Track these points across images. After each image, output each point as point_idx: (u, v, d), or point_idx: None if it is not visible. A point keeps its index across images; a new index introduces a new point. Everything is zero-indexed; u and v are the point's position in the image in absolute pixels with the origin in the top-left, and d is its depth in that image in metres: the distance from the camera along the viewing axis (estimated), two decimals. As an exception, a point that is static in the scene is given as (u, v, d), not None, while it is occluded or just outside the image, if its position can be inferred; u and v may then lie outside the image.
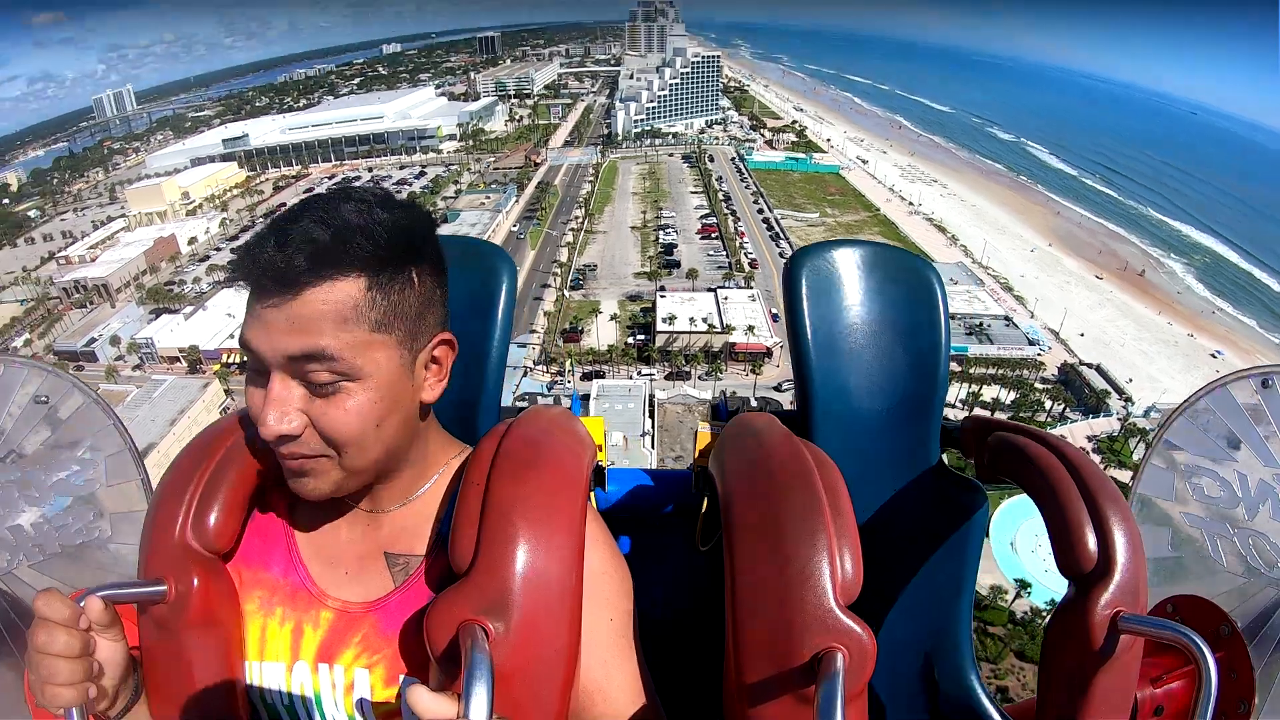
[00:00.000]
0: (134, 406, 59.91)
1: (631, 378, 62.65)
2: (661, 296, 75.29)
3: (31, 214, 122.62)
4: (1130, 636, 1.08)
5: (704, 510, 1.60)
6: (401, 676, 1.07)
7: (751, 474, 1.20)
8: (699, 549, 1.60)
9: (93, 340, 73.25)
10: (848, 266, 1.69)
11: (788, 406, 1.81)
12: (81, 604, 0.95)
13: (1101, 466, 1.27)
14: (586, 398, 57.78)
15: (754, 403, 1.93)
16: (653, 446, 54.06)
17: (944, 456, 1.71)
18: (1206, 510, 1.58)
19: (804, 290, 1.64)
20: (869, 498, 1.65)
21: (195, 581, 1.08)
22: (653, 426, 56.36)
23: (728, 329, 68.84)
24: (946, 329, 1.69)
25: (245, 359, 1.00)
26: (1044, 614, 39.10)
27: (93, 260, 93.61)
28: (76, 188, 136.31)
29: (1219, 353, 73.73)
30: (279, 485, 1.17)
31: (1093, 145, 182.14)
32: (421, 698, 0.76)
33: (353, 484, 1.07)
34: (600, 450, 1.49)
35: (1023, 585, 40.70)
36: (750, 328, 69.12)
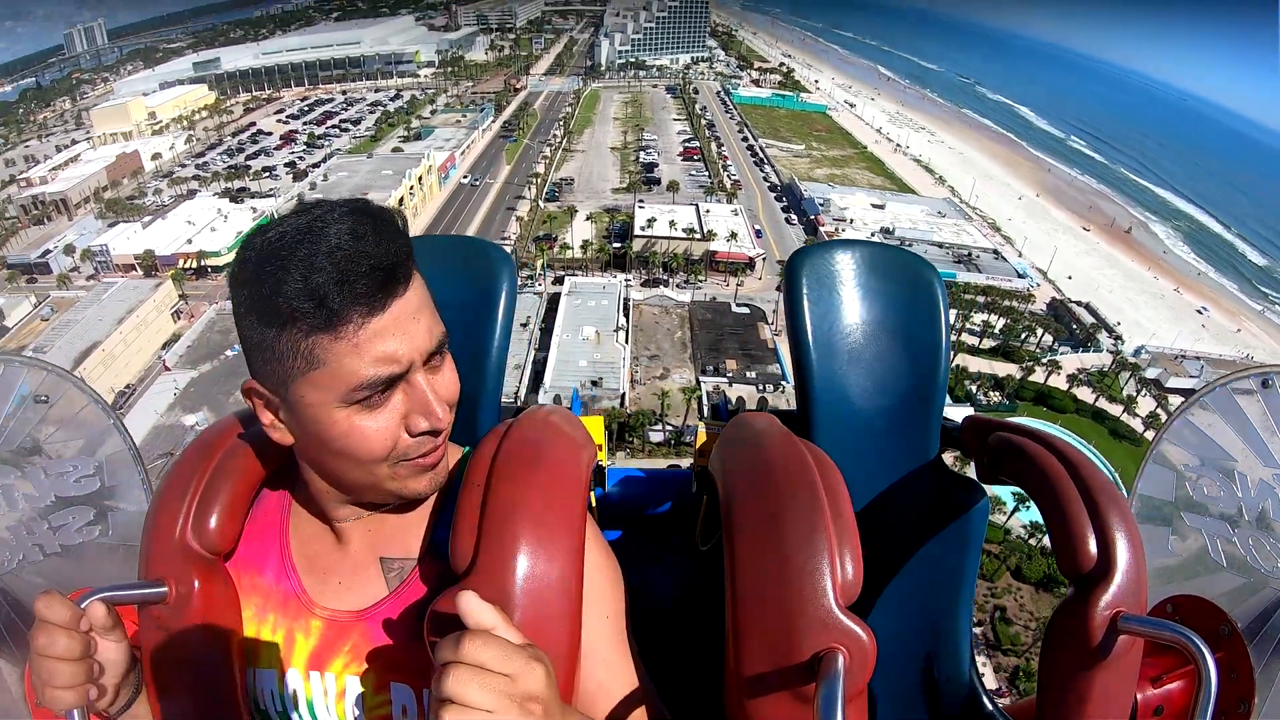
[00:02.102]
0: (82, 309, 57.49)
1: (605, 287, 60.28)
2: (641, 207, 72.91)
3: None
4: (1130, 637, 1.08)
5: (704, 510, 1.63)
6: (392, 683, 1.08)
7: (752, 474, 1.21)
8: (699, 548, 1.63)
9: (47, 251, 70.09)
10: (848, 266, 1.68)
11: (788, 406, 1.79)
12: (83, 606, 0.96)
13: (1095, 458, 1.25)
14: (555, 299, 55.40)
15: (754, 403, 1.87)
16: (627, 341, 51.83)
17: (944, 456, 1.71)
18: (1206, 510, 1.58)
19: (804, 290, 1.64)
20: (869, 498, 1.65)
21: (196, 582, 1.08)
22: (627, 324, 54.10)
23: (709, 235, 66.59)
24: (947, 329, 1.68)
25: (367, 388, 0.94)
26: (1041, 531, 37.95)
27: (53, 180, 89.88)
28: (43, 116, 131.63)
29: (1204, 309, 73.29)
30: (276, 487, 1.21)
31: (1082, 115, 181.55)
32: (471, 602, 0.79)
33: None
34: (600, 450, 1.50)
35: (1021, 500, 39.47)
36: (733, 234, 66.80)
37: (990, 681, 31.61)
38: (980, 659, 33.07)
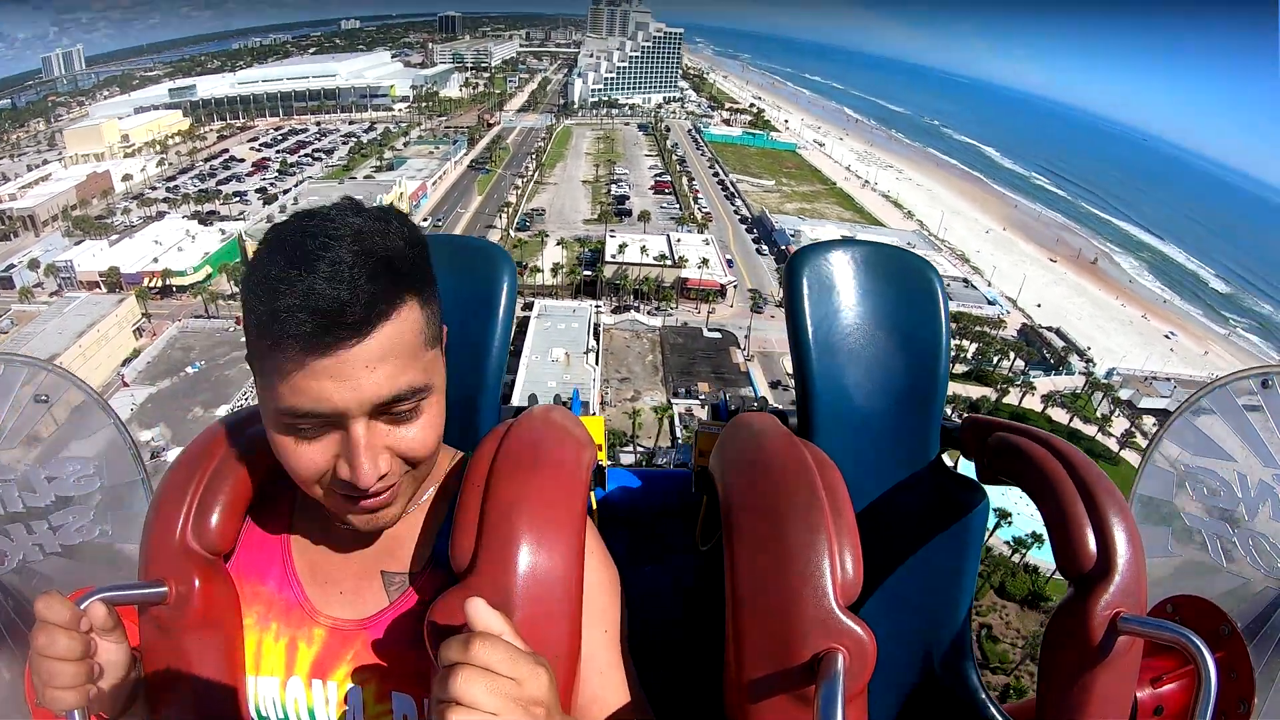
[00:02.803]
0: (42, 322, 56.55)
1: (574, 310, 59.75)
2: (612, 235, 73.26)
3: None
4: (1130, 637, 1.09)
5: (704, 510, 1.63)
6: (393, 692, 1.08)
7: (752, 474, 1.21)
8: (699, 549, 1.63)
9: (11, 266, 68.94)
10: (848, 266, 1.68)
11: (788, 406, 1.81)
12: (83, 607, 0.96)
13: (1089, 455, 1.28)
14: (524, 323, 54.71)
15: (755, 402, 1.98)
16: (597, 363, 51.38)
17: (944, 456, 1.71)
18: (1206, 510, 1.59)
19: (804, 290, 1.64)
20: (869, 498, 1.65)
21: (196, 583, 1.08)
22: (598, 347, 53.58)
23: (680, 261, 66.93)
24: (946, 329, 1.68)
25: (292, 419, 0.93)
26: (1025, 544, 38.61)
27: (22, 198, 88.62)
28: (15, 136, 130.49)
29: (1172, 334, 74.19)
30: (278, 495, 1.20)
31: (1045, 155, 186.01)
32: (478, 607, 0.79)
33: (409, 499, 1.09)
34: (600, 450, 1.51)
35: (1002, 516, 39.33)
36: (704, 261, 67.27)
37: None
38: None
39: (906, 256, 1.74)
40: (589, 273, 67.43)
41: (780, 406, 1.90)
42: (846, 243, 1.70)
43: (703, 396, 49.24)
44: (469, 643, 0.76)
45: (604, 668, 1.13)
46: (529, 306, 60.40)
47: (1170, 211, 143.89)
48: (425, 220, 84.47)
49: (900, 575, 1.66)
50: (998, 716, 1.61)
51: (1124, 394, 54.90)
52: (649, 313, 62.95)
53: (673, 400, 48.44)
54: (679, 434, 44.77)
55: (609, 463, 1.90)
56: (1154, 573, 1.37)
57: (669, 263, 66.63)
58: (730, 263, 71.60)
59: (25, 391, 1.56)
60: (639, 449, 45.02)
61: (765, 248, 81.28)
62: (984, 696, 1.65)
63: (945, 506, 1.63)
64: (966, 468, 1.65)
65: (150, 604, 1.08)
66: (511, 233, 79.80)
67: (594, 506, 1.52)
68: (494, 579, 0.95)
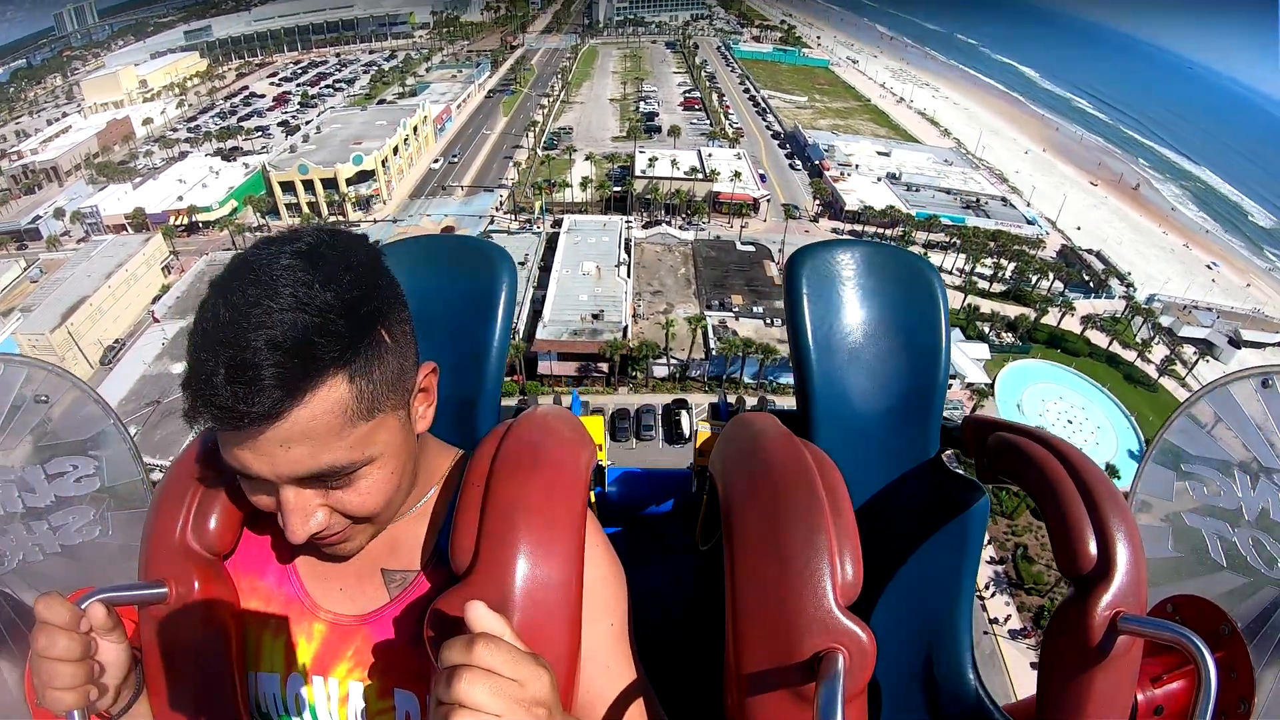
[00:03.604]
0: (71, 267, 55.76)
1: (605, 225, 58.39)
2: (641, 151, 71.07)
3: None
4: (1130, 637, 1.09)
5: (704, 510, 1.65)
6: (395, 689, 1.08)
7: (752, 474, 1.22)
8: (699, 548, 1.65)
9: (37, 217, 68.08)
10: (848, 266, 1.70)
11: (788, 406, 1.83)
12: (83, 607, 0.96)
13: (1090, 461, 1.27)
14: (554, 239, 53.75)
15: (754, 401, 2.01)
16: (629, 276, 50.13)
17: (943, 456, 1.73)
18: (1206, 510, 1.60)
19: (804, 290, 1.66)
20: (869, 497, 1.67)
21: (196, 583, 1.09)
22: (629, 261, 52.37)
23: (712, 175, 64.65)
24: (946, 329, 1.70)
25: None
26: None
27: (44, 151, 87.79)
28: (34, 94, 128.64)
29: (1215, 264, 71.62)
30: None
31: (1086, 78, 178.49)
32: (479, 611, 0.78)
33: (370, 537, 1.09)
34: (600, 450, 1.56)
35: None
36: (736, 174, 64.94)
37: (1015, 622, 30.79)
38: (1003, 599, 32.21)
39: (906, 256, 1.75)
40: (619, 189, 65.41)
41: (780, 406, 1.89)
42: (847, 243, 1.71)
43: (736, 308, 47.84)
44: (471, 644, 0.75)
45: (610, 663, 1.12)
46: (558, 223, 58.94)
47: (1215, 142, 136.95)
48: (436, 162, 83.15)
49: (900, 575, 1.67)
50: (997, 716, 1.62)
51: (1164, 320, 52.81)
52: (680, 227, 60.99)
53: (706, 312, 46.91)
54: (713, 346, 43.86)
55: (609, 461, 1.88)
56: (1154, 573, 1.40)
57: (700, 176, 64.37)
58: (763, 177, 69.19)
59: (25, 391, 1.57)
60: (673, 360, 43.90)
61: (799, 163, 78.64)
62: (984, 696, 1.66)
63: (945, 506, 1.65)
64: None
65: (150, 604, 1.08)
66: (539, 151, 77.68)
67: (593, 505, 1.52)
68: (494, 579, 0.95)
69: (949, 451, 1.68)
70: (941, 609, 1.65)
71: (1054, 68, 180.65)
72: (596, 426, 1.66)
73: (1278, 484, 1.51)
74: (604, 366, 42.63)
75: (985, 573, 33.28)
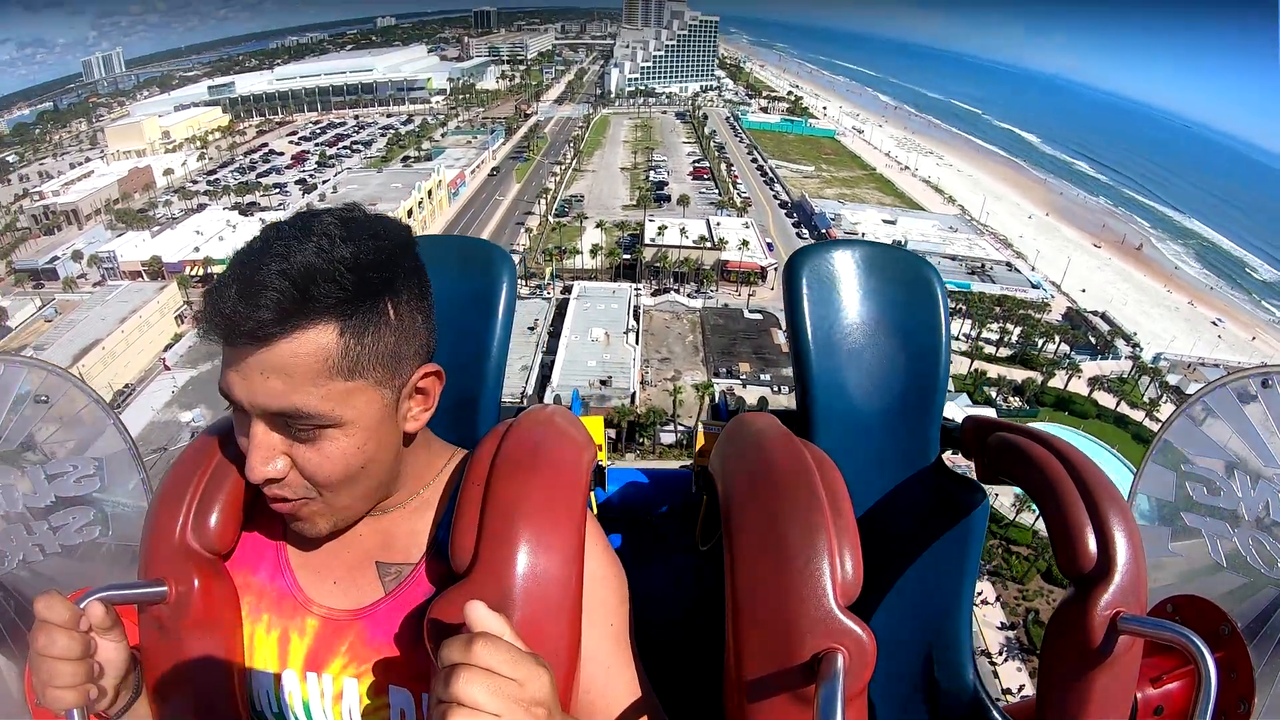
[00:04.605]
0: (85, 309, 57.19)
1: (614, 292, 59.63)
2: (651, 220, 72.74)
3: (10, 159, 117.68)
4: (1130, 637, 1.09)
5: (704, 510, 1.64)
6: (390, 686, 1.07)
7: (751, 474, 1.22)
8: (699, 548, 1.64)
9: (55, 258, 69.64)
10: (848, 266, 1.69)
11: (788, 406, 1.81)
12: (82, 606, 0.96)
13: (1103, 466, 1.27)
14: (564, 305, 54.63)
15: (754, 402, 1.98)
16: (637, 343, 50.99)
17: (943, 456, 1.72)
18: (1206, 510, 1.60)
19: (804, 290, 1.65)
20: (869, 498, 1.66)
21: (196, 582, 1.08)
22: (638, 327, 53.35)
23: (720, 244, 66.17)
24: (947, 329, 1.69)
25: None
26: None
27: (66, 193, 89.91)
28: (58, 137, 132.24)
29: (1220, 320, 72.63)
30: None
31: (1085, 140, 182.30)
32: (479, 610, 0.79)
33: (347, 519, 1.09)
34: (600, 450, 1.52)
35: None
36: (744, 243, 66.42)
37: (1027, 684, 30.71)
38: (1015, 664, 32.17)
39: (906, 256, 1.74)
40: (628, 256, 66.75)
41: (780, 406, 1.88)
42: (847, 243, 1.71)
43: (743, 376, 48.59)
44: (470, 643, 0.76)
45: (610, 663, 1.12)
46: (568, 289, 60.14)
47: (1213, 198, 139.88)
48: (462, 210, 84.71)
49: (900, 575, 1.67)
50: (997, 717, 1.62)
51: (1172, 379, 53.51)
52: (689, 295, 62.14)
53: (714, 379, 47.66)
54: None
55: (610, 462, 1.87)
56: (1154, 573, 1.38)
57: (709, 245, 65.82)
58: (770, 245, 70.67)
59: (25, 391, 1.57)
60: (680, 428, 44.45)
61: (805, 231, 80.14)
62: (984, 696, 1.67)
63: (945, 506, 1.64)
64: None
65: (150, 603, 1.08)
66: (550, 218, 79.35)
67: (594, 506, 1.50)
68: (494, 579, 0.95)
69: (949, 452, 1.71)
70: (941, 610, 1.67)
71: (1053, 131, 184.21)
72: (597, 427, 1.68)
73: (1278, 484, 1.52)
74: (611, 433, 43.01)
75: (996, 638, 33.18)
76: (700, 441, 1.78)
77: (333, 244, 0.92)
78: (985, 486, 1.61)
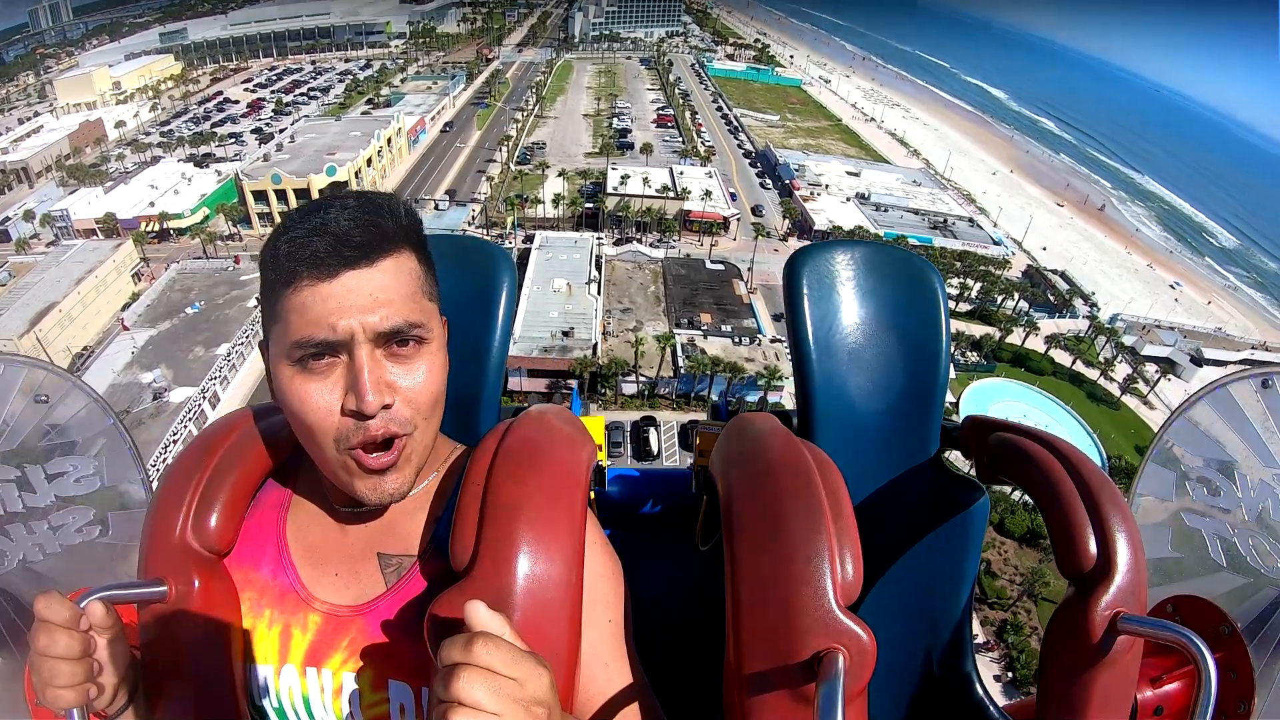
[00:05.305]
0: (40, 271, 55.41)
1: (576, 242, 58.66)
2: (614, 168, 71.85)
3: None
4: (1130, 637, 1.09)
5: (704, 510, 1.64)
6: (390, 681, 1.08)
7: (752, 474, 1.22)
8: (699, 549, 1.64)
9: (6, 219, 67.66)
10: (848, 267, 1.70)
11: (788, 406, 1.81)
12: (82, 605, 0.96)
13: (1102, 465, 1.30)
14: (526, 255, 53.82)
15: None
16: (599, 293, 50.56)
17: (943, 456, 1.73)
18: (1206, 510, 1.60)
19: (804, 290, 1.65)
20: (869, 497, 1.67)
21: (195, 582, 1.09)
22: (600, 278, 52.91)
23: (683, 194, 65.67)
24: (947, 329, 1.70)
25: (302, 349, 0.99)
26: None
27: (15, 151, 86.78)
28: (4, 91, 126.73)
29: (1177, 284, 73.46)
30: (278, 483, 1.24)
31: (1053, 99, 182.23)
32: (479, 611, 0.79)
33: (415, 470, 1.10)
34: (600, 450, 1.55)
35: None
36: (707, 193, 66.09)
37: (979, 633, 31.37)
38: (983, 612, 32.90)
39: (907, 257, 1.74)
40: (591, 205, 66.04)
41: (780, 407, 1.74)
42: (847, 243, 1.71)
43: (705, 327, 48.55)
44: (470, 643, 0.76)
45: (610, 660, 1.12)
46: (530, 239, 59.34)
47: (1178, 162, 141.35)
48: (421, 159, 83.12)
49: (900, 575, 1.67)
50: (997, 716, 1.62)
51: (1127, 339, 54.37)
52: (651, 245, 61.70)
53: (675, 330, 47.50)
54: (681, 364, 44.23)
55: (608, 461, 1.87)
56: (1154, 573, 1.42)
57: (671, 195, 65.23)
58: (734, 196, 70.30)
59: (25, 391, 1.57)
60: (641, 379, 44.43)
61: (769, 181, 79.81)
62: (983, 696, 1.66)
63: (945, 506, 1.64)
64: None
65: (150, 603, 1.09)
66: (512, 166, 78.13)
67: (593, 505, 1.51)
68: (494, 578, 0.95)
69: (949, 452, 1.71)
70: (941, 609, 1.67)
71: (1022, 89, 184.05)
72: (597, 427, 1.68)
73: (1278, 484, 1.52)
74: (573, 383, 42.98)
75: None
76: (700, 441, 1.77)
77: (365, 201, 1.00)
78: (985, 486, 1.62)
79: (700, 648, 1.41)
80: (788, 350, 1.71)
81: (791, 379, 1.70)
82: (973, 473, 1.59)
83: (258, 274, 1.06)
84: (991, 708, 1.63)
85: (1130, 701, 1.18)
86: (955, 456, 1.72)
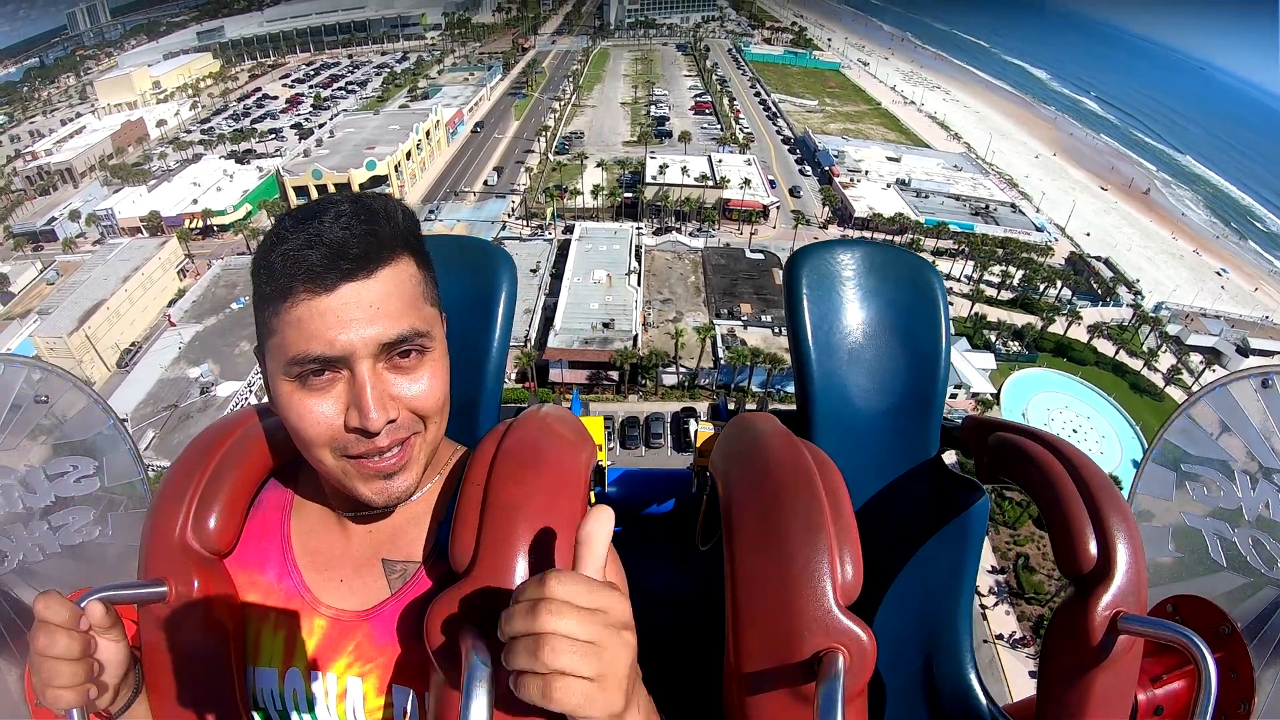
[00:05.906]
0: (87, 270, 56.46)
1: (616, 232, 58.83)
2: (652, 157, 71.28)
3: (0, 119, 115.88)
4: (1130, 637, 1.09)
5: (704, 510, 1.65)
6: (393, 685, 1.08)
7: (752, 474, 1.22)
8: (699, 548, 1.65)
9: (52, 219, 68.83)
10: (848, 267, 1.70)
11: (788, 406, 1.82)
12: (82, 606, 0.96)
13: (1102, 467, 1.27)
14: (566, 246, 54.20)
15: (754, 402, 2.00)
16: (639, 284, 50.66)
17: (944, 456, 1.73)
18: (1206, 510, 1.60)
19: (804, 290, 1.66)
20: (869, 497, 1.67)
21: (195, 582, 1.09)
22: (639, 268, 52.90)
23: (722, 182, 64.96)
24: (947, 329, 1.70)
25: (300, 366, 0.97)
26: None
27: (59, 151, 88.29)
28: (47, 93, 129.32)
29: (1224, 270, 71.48)
30: (280, 485, 1.24)
31: (1096, 79, 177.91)
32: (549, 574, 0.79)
33: (423, 469, 1.09)
34: (600, 450, 1.55)
35: None
36: (746, 181, 65.24)
37: (1015, 630, 31.03)
38: (1004, 607, 32.38)
39: (907, 257, 1.75)
40: (629, 195, 65.62)
41: (781, 406, 1.90)
42: (847, 243, 1.71)
43: (745, 317, 48.13)
44: (544, 580, 0.75)
45: None
46: (570, 229, 59.23)
47: (1226, 145, 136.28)
48: (460, 150, 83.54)
49: (900, 575, 1.67)
50: (998, 716, 1.62)
51: (1172, 329, 53.01)
52: (691, 234, 61.23)
53: (715, 321, 47.24)
54: (721, 355, 44.30)
55: (609, 462, 1.87)
56: (1154, 573, 1.42)
57: (710, 183, 64.64)
58: (773, 183, 69.50)
59: (25, 391, 1.58)
60: (681, 370, 44.35)
61: (809, 168, 78.77)
62: (984, 696, 1.67)
63: (945, 506, 1.65)
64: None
65: (150, 603, 1.09)
66: (550, 156, 78.01)
67: (593, 504, 1.53)
68: (494, 578, 0.95)
69: (949, 452, 1.72)
70: (942, 609, 1.68)
71: (1064, 68, 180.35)
72: (596, 427, 1.69)
73: (1278, 484, 1.53)
74: (614, 375, 43.02)
75: (986, 581, 33.60)
76: (700, 441, 1.80)
77: (355, 206, 0.97)
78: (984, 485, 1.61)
79: (700, 648, 1.41)
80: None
81: None
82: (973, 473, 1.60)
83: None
84: (992, 707, 1.65)
85: (1130, 701, 1.18)
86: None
